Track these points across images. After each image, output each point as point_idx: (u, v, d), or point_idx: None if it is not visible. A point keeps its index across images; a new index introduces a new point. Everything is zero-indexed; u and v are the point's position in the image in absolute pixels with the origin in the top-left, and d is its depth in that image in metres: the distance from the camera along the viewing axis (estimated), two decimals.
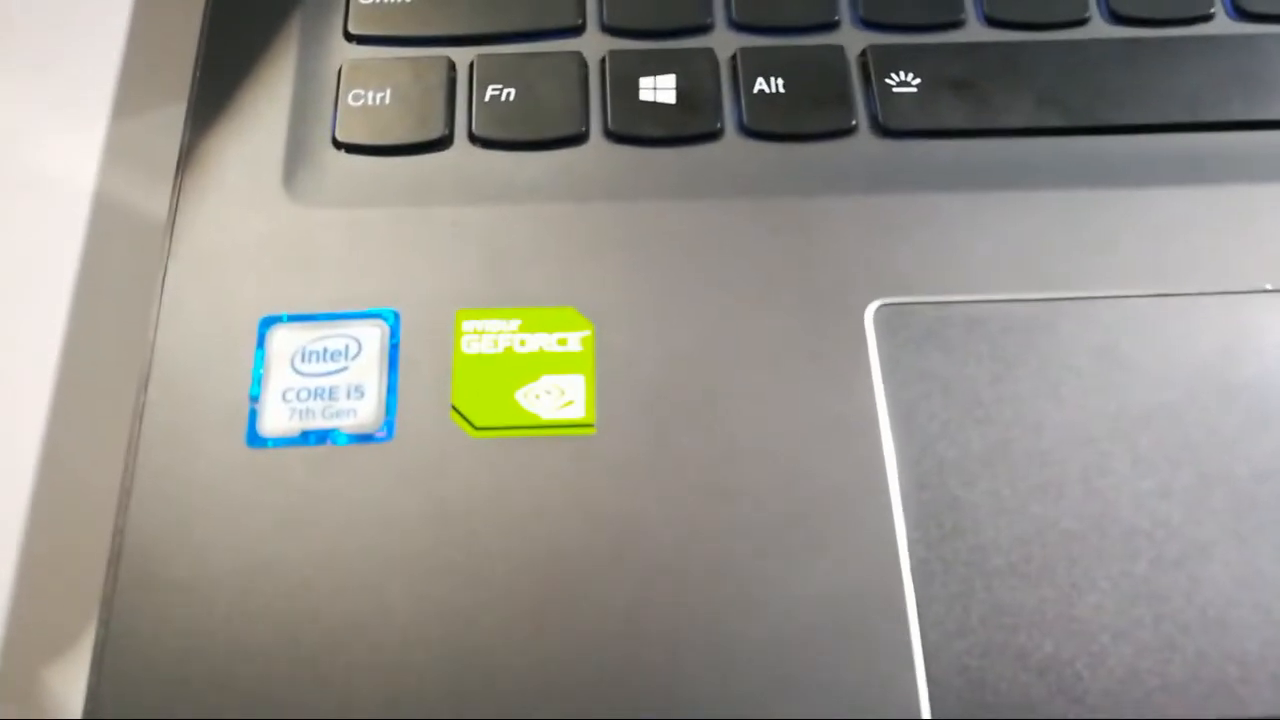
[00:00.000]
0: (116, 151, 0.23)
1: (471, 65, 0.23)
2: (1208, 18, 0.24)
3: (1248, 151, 0.23)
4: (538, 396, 0.20)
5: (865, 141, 0.23)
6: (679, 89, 0.23)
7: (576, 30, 0.24)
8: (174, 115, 0.23)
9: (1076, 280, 0.21)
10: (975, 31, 0.24)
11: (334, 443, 0.19)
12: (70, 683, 0.19)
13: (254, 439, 0.19)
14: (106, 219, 0.23)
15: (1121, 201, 0.22)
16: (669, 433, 0.19)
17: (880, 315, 0.21)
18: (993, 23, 0.24)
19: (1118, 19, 0.24)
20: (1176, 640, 0.18)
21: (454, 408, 0.20)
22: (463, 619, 0.18)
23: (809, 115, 0.23)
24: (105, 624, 0.18)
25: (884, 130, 0.23)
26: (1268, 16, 0.24)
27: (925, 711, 0.18)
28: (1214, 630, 0.18)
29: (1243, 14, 0.24)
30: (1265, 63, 0.23)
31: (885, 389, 0.20)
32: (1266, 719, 0.18)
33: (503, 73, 0.23)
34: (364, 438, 0.19)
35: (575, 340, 0.20)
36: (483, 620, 0.18)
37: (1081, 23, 0.24)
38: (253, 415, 0.20)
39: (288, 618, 0.18)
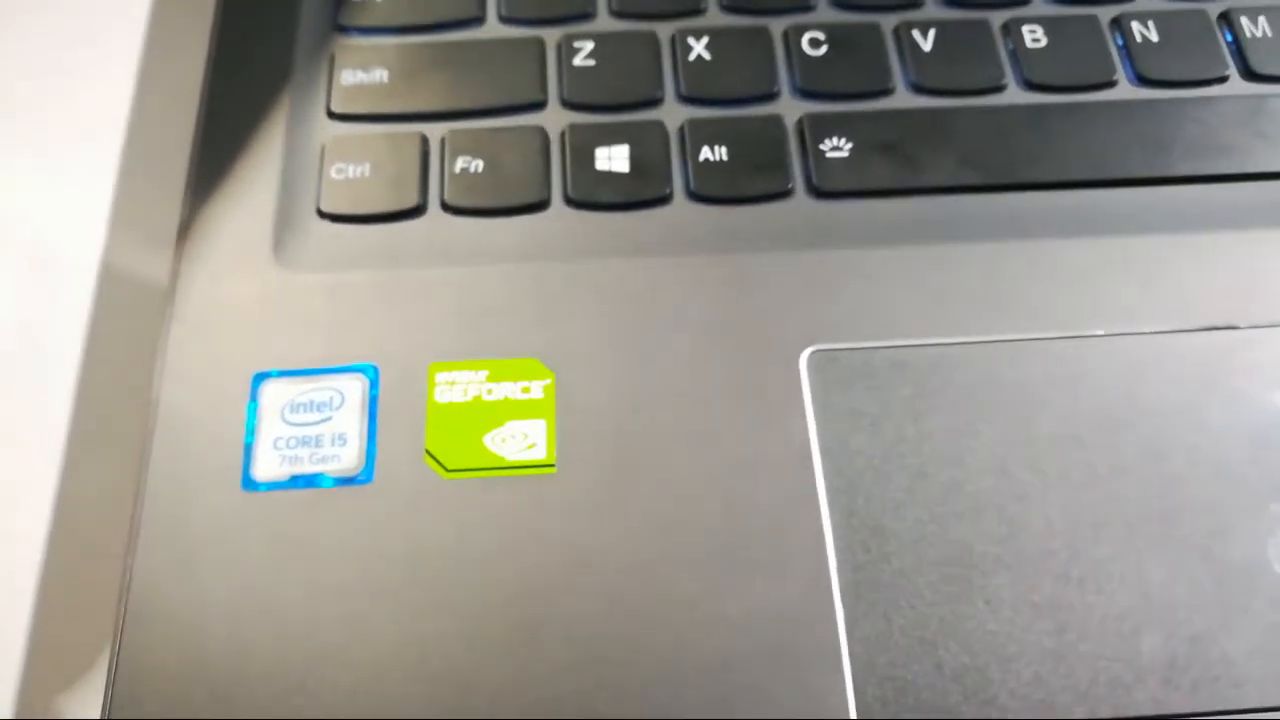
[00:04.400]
0: (121, 224, 0.26)
1: (443, 140, 0.25)
2: (1111, 84, 0.27)
3: (1149, 205, 0.25)
4: (504, 440, 0.22)
5: (801, 202, 0.25)
6: (632, 158, 0.25)
7: (539, 105, 0.26)
8: (174, 189, 0.25)
9: (992, 325, 0.23)
10: (903, 99, 0.26)
11: (320, 485, 0.22)
12: (87, 700, 0.21)
13: (248, 483, 0.22)
14: (112, 287, 0.25)
15: (1033, 252, 0.24)
16: (622, 470, 0.22)
17: (813, 360, 0.23)
18: (919, 90, 0.26)
19: (1031, 86, 0.27)
20: (1078, 647, 0.20)
21: (428, 452, 0.22)
22: (434, 643, 0.20)
23: (750, 180, 0.25)
24: (116, 650, 0.20)
25: (818, 192, 0.25)
26: (1165, 82, 0.27)
27: (852, 713, 0.20)
28: (1111, 638, 0.20)
29: (1143, 80, 0.27)
30: (1163, 124, 0.26)
31: (817, 427, 0.22)
32: (1156, 716, 0.20)
33: (472, 146, 0.25)
34: (346, 480, 0.22)
35: (538, 388, 0.22)
36: (452, 643, 0.20)
37: (999, 89, 0.27)
38: (247, 462, 0.22)
39: (278, 643, 0.20)
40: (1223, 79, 0.27)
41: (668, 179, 0.25)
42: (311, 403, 0.22)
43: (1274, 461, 0.22)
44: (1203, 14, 0.27)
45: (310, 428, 0.22)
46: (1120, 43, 0.27)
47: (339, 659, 0.20)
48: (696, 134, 0.25)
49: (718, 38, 0.27)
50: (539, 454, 0.22)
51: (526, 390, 0.22)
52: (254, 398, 0.22)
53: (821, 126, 0.26)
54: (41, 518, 0.23)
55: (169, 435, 0.22)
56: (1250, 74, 0.27)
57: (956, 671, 0.20)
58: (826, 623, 0.20)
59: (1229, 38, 0.27)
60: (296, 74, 0.26)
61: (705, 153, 0.25)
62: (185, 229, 0.24)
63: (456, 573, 0.21)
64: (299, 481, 0.22)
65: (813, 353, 0.23)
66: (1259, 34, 0.27)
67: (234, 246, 0.24)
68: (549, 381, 0.22)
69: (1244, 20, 0.27)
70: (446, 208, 0.25)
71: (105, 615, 0.22)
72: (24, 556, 0.22)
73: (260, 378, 0.23)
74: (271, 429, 0.22)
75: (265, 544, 0.21)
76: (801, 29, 0.27)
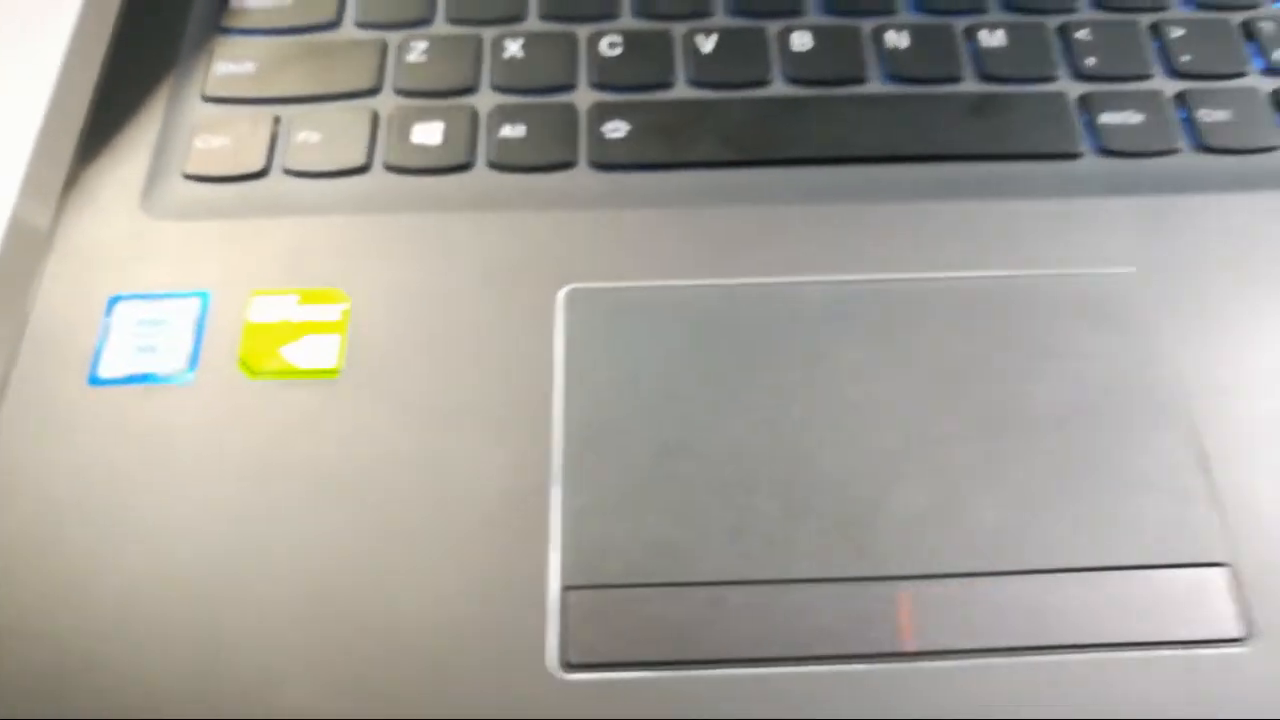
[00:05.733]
0: (28, 183, 0.31)
1: (290, 118, 0.31)
2: (862, 80, 0.31)
3: (876, 179, 0.30)
4: (299, 351, 0.27)
5: (582, 173, 0.30)
6: (445, 134, 0.30)
7: (375, 92, 0.31)
8: (67, 153, 0.30)
9: (728, 271, 0.28)
10: (682, 91, 0.31)
11: (150, 382, 0.27)
12: None
13: (94, 379, 0.27)
14: (12, 235, 0.30)
15: (772, 215, 0.29)
16: (394, 377, 0.26)
17: (570, 295, 0.28)
18: (697, 85, 0.31)
19: (792, 81, 0.31)
20: (773, 521, 0.25)
21: (240, 359, 0.27)
22: (221, 508, 0.25)
23: (540, 153, 0.30)
24: None
25: (597, 165, 0.30)
26: (911, 79, 0.31)
27: (557, 580, 0.24)
28: (796, 517, 0.25)
29: (891, 78, 0.31)
30: (901, 114, 0.31)
31: (565, 346, 0.27)
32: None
33: (313, 123, 0.30)
34: (172, 379, 0.27)
35: (336, 312, 0.27)
36: (239, 509, 0.25)
37: (765, 84, 0.31)
38: (95, 363, 0.27)
39: (111, 511, 0.25)
40: (956, 79, 0.31)
41: (472, 151, 0.30)
42: (152, 319, 0.27)
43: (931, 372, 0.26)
44: (949, 27, 0.32)
45: (149, 339, 0.27)
46: (876, 48, 0.32)
47: (150, 523, 0.25)
48: (499, 116, 0.31)
49: (532, 40, 0.32)
50: (328, 363, 0.27)
51: (326, 312, 0.27)
52: (108, 314, 0.27)
53: (604, 111, 0.31)
54: None
55: (34, 346, 0.27)
56: (985, 76, 0.31)
57: (656, 543, 0.24)
58: (541, 496, 0.25)
59: (970, 48, 0.32)
60: (180, 64, 0.32)
61: (505, 131, 0.30)
62: (70, 184, 0.30)
63: (248, 453, 0.25)
64: (134, 379, 0.27)
65: (570, 289, 0.28)
66: (994, 44, 0.32)
67: (109, 198, 0.29)
68: (346, 306, 0.27)
69: (983, 33, 0.32)
70: (287, 171, 0.30)
71: None
72: None
73: (115, 300, 0.28)
74: (119, 340, 0.27)
75: (104, 426, 0.26)
76: (602, 34, 0.32)
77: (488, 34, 0.32)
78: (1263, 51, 0.32)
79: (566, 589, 0.24)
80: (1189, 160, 0.30)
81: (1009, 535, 0.25)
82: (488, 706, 0.23)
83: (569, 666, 0.23)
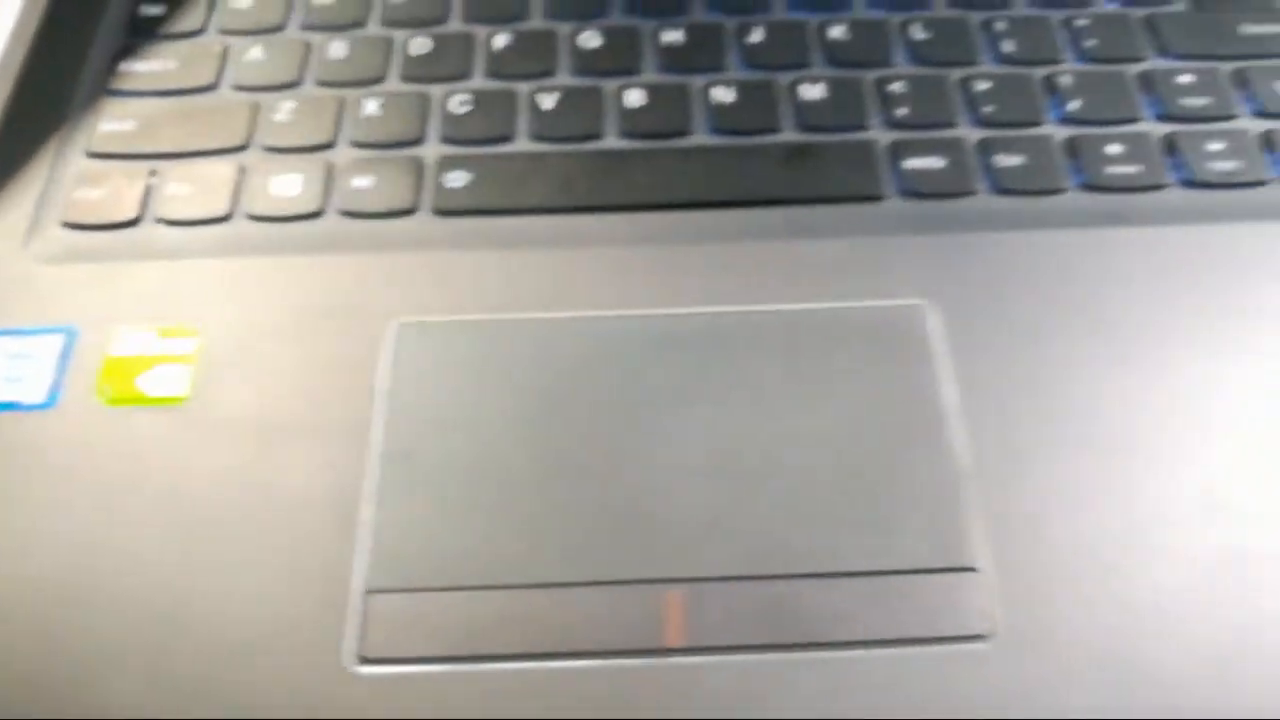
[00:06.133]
0: None
1: (165, 173, 0.34)
2: (688, 133, 0.34)
3: (702, 223, 0.33)
4: (153, 381, 0.30)
5: (424, 219, 0.33)
6: (302, 185, 0.33)
7: (243, 148, 0.34)
8: None
9: (553, 306, 0.31)
10: (523, 144, 0.34)
11: (16, 410, 0.29)
12: None
13: None
14: None
15: (594, 256, 0.32)
16: (235, 405, 0.29)
17: (400, 329, 0.31)
18: (536, 138, 0.34)
19: (625, 134, 0.34)
20: (574, 527, 0.27)
21: (98, 388, 0.30)
22: (67, 526, 0.28)
23: (386, 201, 0.33)
24: None
25: (438, 211, 0.33)
26: (733, 131, 0.34)
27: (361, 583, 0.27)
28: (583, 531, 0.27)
29: (716, 130, 0.34)
30: (727, 163, 0.33)
31: (392, 371, 0.30)
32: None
33: (184, 177, 0.34)
34: (36, 406, 0.29)
35: (189, 345, 0.30)
36: (79, 529, 0.28)
37: (599, 137, 0.34)
38: None
39: None
40: (776, 130, 0.34)
41: (325, 201, 0.33)
42: (20, 353, 0.30)
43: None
44: (773, 82, 0.35)
45: (16, 371, 0.30)
46: (704, 102, 0.35)
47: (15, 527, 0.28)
48: (352, 168, 0.34)
49: (390, 99, 0.35)
50: (178, 391, 0.29)
51: (179, 346, 0.30)
52: None
53: (448, 163, 0.34)
54: None
55: None
56: (803, 126, 0.34)
57: (454, 551, 0.27)
58: (354, 509, 0.28)
59: (792, 100, 0.35)
60: (69, 122, 0.35)
61: (356, 181, 0.33)
62: None
63: (96, 470, 0.28)
64: (1, 406, 0.30)
65: (399, 323, 0.31)
66: (814, 96, 0.35)
67: None
68: (199, 340, 0.30)
69: (804, 86, 0.35)
70: (159, 220, 0.33)
71: None
72: None
73: None
74: None
75: None
76: (453, 93, 0.35)
77: (350, 95, 0.35)
78: (1060, 103, 0.35)
79: (369, 592, 0.26)
80: (985, 201, 0.33)
81: (779, 542, 0.27)
82: (290, 699, 0.25)
83: (364, 661, 0.26)
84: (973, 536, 0.27)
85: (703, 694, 0.25)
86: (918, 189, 0.33)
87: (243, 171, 0.34)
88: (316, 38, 0.37)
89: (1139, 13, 0.37)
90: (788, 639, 0.26)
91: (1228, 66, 0.36)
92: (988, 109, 0.35)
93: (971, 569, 0.27)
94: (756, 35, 0.36)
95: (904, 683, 0.26)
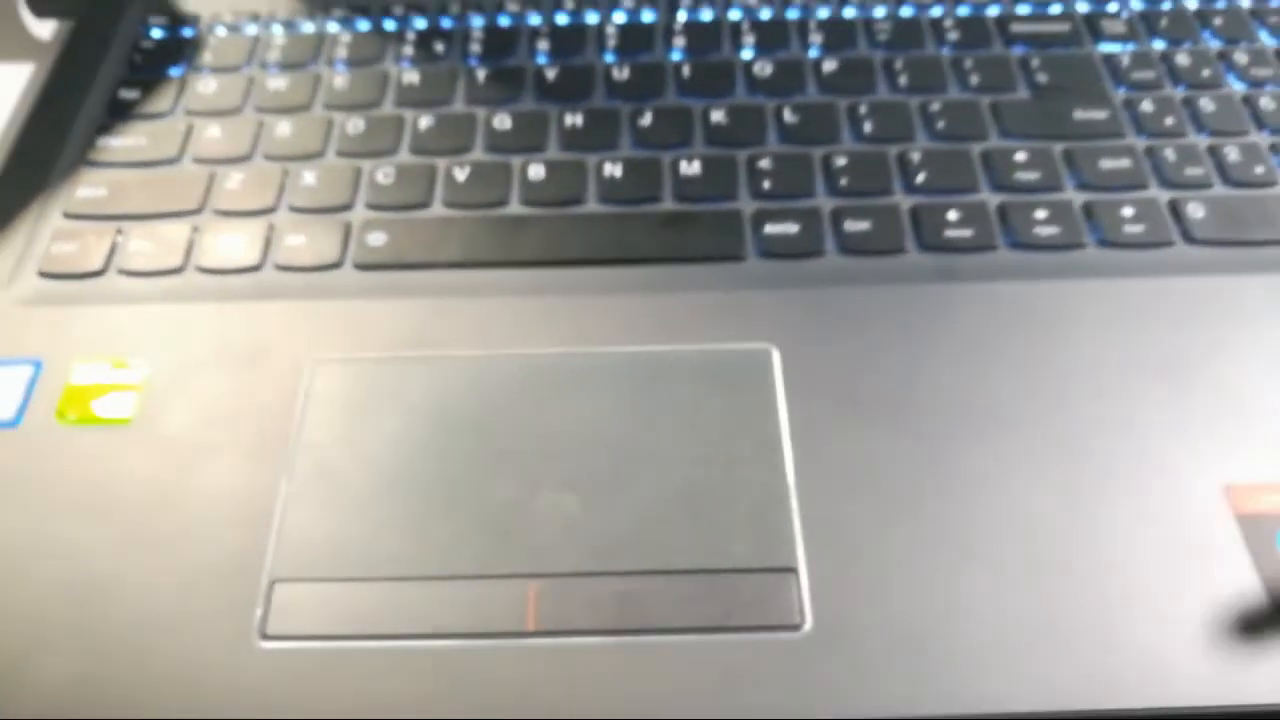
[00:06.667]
0: None
1: (129, 232, 0.39)
2: (581, 202, 0.40)
3: (588, 277, 0.38)
4: (104, 405, 0.35)
5: (348, 273, 0.38)
6: (245, 244, 0.39)
7: (198, 212, 0.40)
8: None
9: (455, 346, 0.36)
10: (437, 210, 0.40)
11: None
12: None
13: None
14: None
15: (501, 304, 0.37)
16: (172, 426, 0.34)
17: (318, 365, 0.36)
18: (449, 205, 0.40)
19: (527, 203, 0.40)
20: (472, 526, 0.32)
21: (58, 409, 0.35)
22: (16, 526, 0.33)
23: (313, 256, 0.38)
24: None
25: (358, 265, 0.38)
26: (620, 200, 0.40)
27: (269, 573, 0.31)
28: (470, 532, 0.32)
29: (605, 199, 0.40)
30: (612, 228, 0.39)
31: (307, 407, 0.35)
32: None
33: (146, 235, 0.39)
34: (3, 425, 0.35)
35: (138, 375, 0.36)
36: (26, 531, 0.33)
37: (504, 204, 0.40)
38: None
39: None
40: (657, 199, 0.40)
41: (264, 257, 0.39)
42: None
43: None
44: (657, 160, 0.41)
45: None
46: (596, 175, 0.40)
47: None
48: (288, 229, 0.39)
49: (325, 171, 0.41)
50: (123, 413, 0.35)
51: (130, 376, 0.35)
52: None
53: (370, 225, 0.39)
54: None
55: None
56: (681, 197, 0.40)
57: (351, 549, 0.32)
58: (268, 515, 0.32)
59: (672, 174, 0.40)
60: (50, 187, 0.41)
61: (290, 240, 0.39)
62: None
63: (47, 477, 0.33)
64: None
65: (316, 358, 0.36)
66: (692, 172, 0.40)
67: None
68: (148, 371, 0.36)
69: (684, 163, 0.40)
70: (120, 271, 0.38)
71: None
72: None
73: None
74: None
75: None
76: (380, 166, 0.41)
77: (292, 167, 0.41)
78: (909, 175, 0.40)
79: (274, 581, 0.31)
80: (833, 261, 0.38)
81: (625, 545, 0.32)
82: (205, 668, 0.30)
83: (265, 637, 0.30)
84: (793, 542, 0.32)
85: (556, 670, 0.30)
86: (774, 250, 0.38)
87: (196, 231, 0.39)
88: (267, 119, 0.42)
89: (986, 99, 0.43)
90: (630, 624, 0.31)
91: (1059, 146, 0.41)
92: (844, 181, 0.40)
93: (791, 569, 0.31)
94: (646, 119, 0.42)
95: (727, 663, 0.30)
